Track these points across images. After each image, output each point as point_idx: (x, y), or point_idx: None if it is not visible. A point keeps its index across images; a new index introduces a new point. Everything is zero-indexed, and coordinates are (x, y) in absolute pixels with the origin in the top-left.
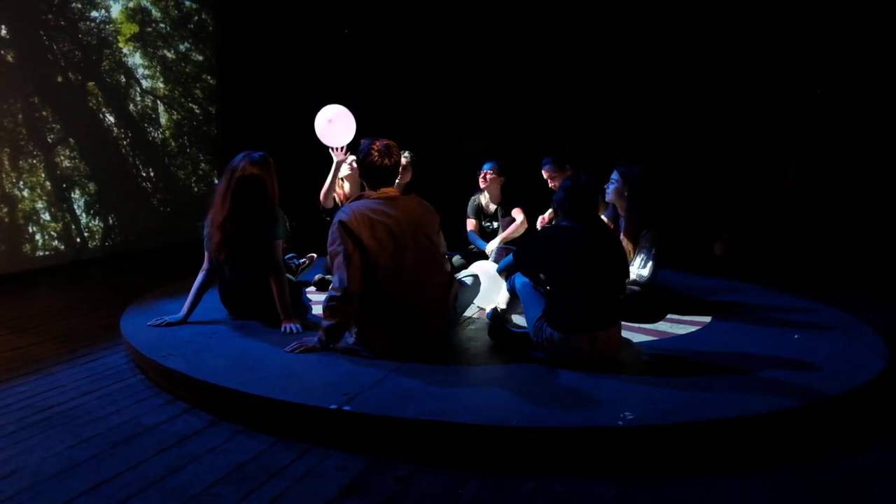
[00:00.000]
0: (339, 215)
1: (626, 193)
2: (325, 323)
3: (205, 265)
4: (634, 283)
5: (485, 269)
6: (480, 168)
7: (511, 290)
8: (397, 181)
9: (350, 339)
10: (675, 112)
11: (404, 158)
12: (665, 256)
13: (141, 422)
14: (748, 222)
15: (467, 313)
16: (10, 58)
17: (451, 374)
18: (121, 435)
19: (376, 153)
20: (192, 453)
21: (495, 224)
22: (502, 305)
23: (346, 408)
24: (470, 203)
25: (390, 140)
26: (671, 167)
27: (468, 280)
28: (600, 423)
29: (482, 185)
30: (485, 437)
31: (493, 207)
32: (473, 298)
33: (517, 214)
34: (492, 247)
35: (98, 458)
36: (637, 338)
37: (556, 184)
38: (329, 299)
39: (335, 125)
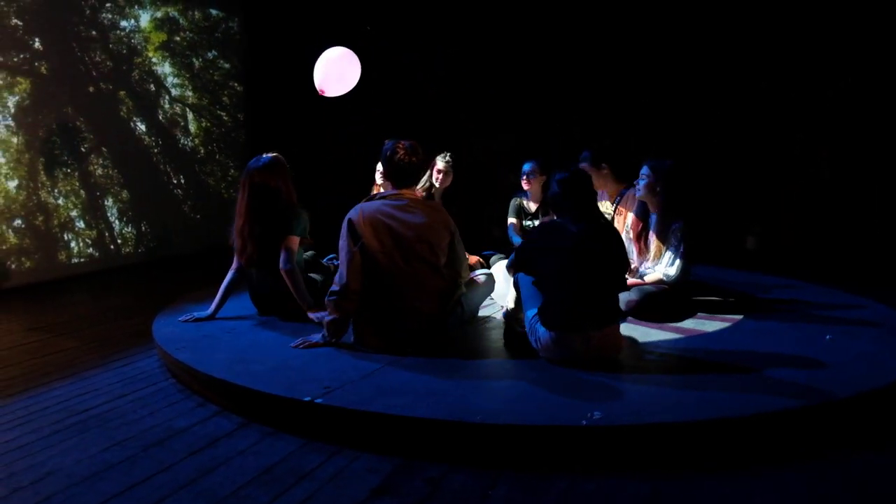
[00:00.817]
0: (350, 213)
1: (658, 189)
2: (326, 318)
3: (234, 265)
4: (661, 281)
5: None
6: (521, 168)
7: (516, 287)
8: (437, 185)
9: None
10: (707, 105)
11: (444, 163)
12: (696, 253)
13: (172, 424)
14: (783, 215)
15: (487, 312)
16: (43, 69)
17: (441, 370)
18: (153, 437)
19: (402, 150)
20: (223, 455)
21: (536, 223)
22: (510, 304)
23: (319, 400)
24: (511, 203)
25: (414, 141)
26: (702, 161)
27: (481, 278)
28: (620, 421)
29: (525, 187)
30: (465, 434)
31: (534, 207)
32: (486, 296)
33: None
34: None
35: (131, 460)
36: (663, 336)
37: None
38: (329, 294)
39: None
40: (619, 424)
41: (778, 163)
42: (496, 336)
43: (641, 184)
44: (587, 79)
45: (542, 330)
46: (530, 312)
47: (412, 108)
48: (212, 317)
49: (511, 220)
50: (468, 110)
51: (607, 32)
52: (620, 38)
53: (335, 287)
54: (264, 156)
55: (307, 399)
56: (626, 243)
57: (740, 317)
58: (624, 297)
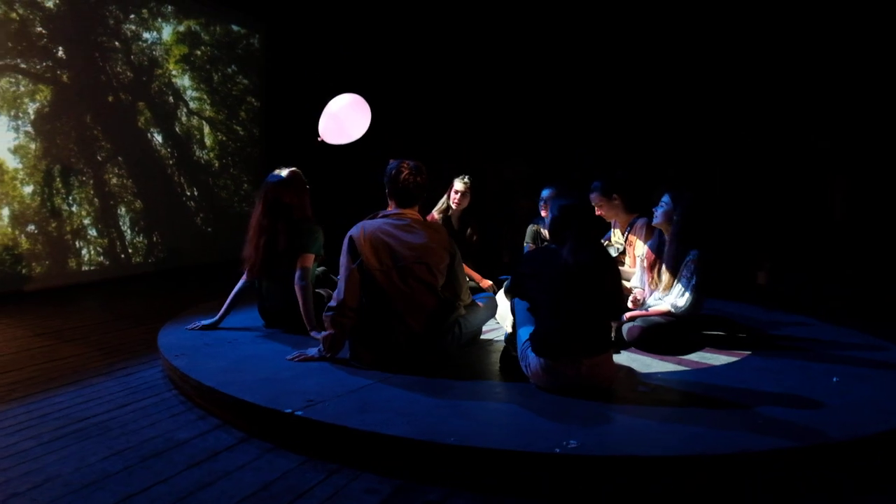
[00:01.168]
0: (352, 230)
1: (675, 217)
2: (323, 333)
3: (245, 275)
4: (669, 313)
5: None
6: (538, 194)
7: (512, 311)
8: (454, 206)
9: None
10: (721, 138)
11: (462, 184)
12: (708, 286)
13: (173, 436)
14: (796, 251)
15: (492, 336)
16: (65, 78)
17: (429, 389)
18: (153, 448)
19: (406, 170)
20: (222, 469)
21: None
22: (509, 328)
23: (298, 413)
24: (528, 229)
25: (419, 161)
26: (716, 194)
27: (483, 300)
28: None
29: (543, 213)
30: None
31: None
32: (487, 319)
33: None
34: None
35: (129, 470)
36: (665, 367)
37: (603, 213)
38: (326, 309)
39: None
40: (590, 455)
41: (791, 200)
42: (494, 359)
43: (659, 211)
44: (601, 107)
45: (532, 356)
46: (522, 338)
47: (427, 131)
48: (216, 325)
49: (528, 245)
50: (481, 135)
51: (624, 63)
52: (636, 69)
53: (332, 303)
54: (282, 171)
55: (287, 411)
56: (639, 272)
57: (748, 352)
58: (627, 327)
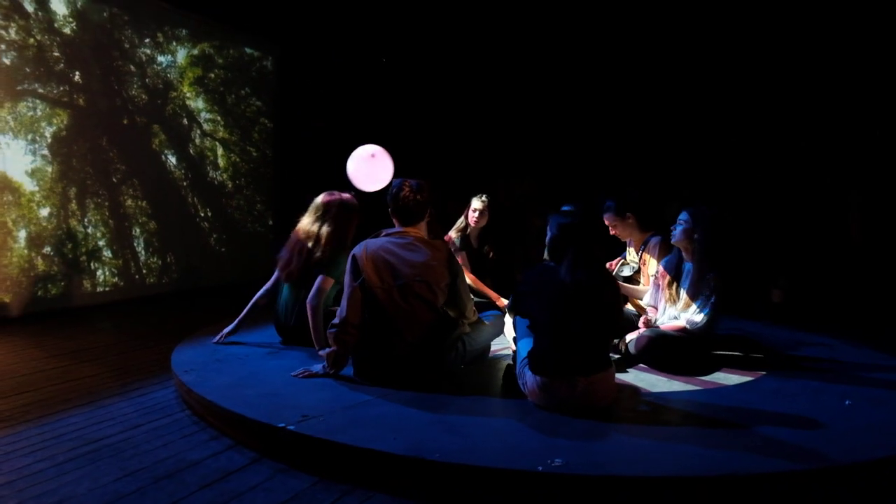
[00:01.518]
0: (355, 249)
1: (696, 236)
2: (326, 350)
3: (268, 283)
4: (684, 329)
5: None
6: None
7: (514, 329)
8: (473, 224)
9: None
10: (736, 156)
11: (480, 202)
12: (726, 305)
13: (186, 457)
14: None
15: (502, 353)
16: (81, 101)
17: (426, 405)
18: (165, 469)
19: (407, 188)
20: (234, 490)
21: None
22: (513, 346)
23: (291, 427)
24: None
25: (423, 180)
26: (731, 212)
27: (490, 318)
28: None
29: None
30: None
31: None
32: (493, 337)
33: None
34: None
35: (142, 491)
36: (675, 386)
37: (617, 232)
38: (330, 326)
39: (375, 162)
40: (574, 473)
41: (808, 218)
42: (498, 376)
43: (679, 229)
44: (615, 125)
45: (529, 374)
46: (521, 356)
47: (438, 150)
48: (235, 330)
49: None
50: (492, 153)
51: (637, 81)
52: (650, 87)
53: (336, 320)
54: (345, 196)
55: (281, 425)
56: (652, 290)
57: (763, 373)
58: (636, 337)
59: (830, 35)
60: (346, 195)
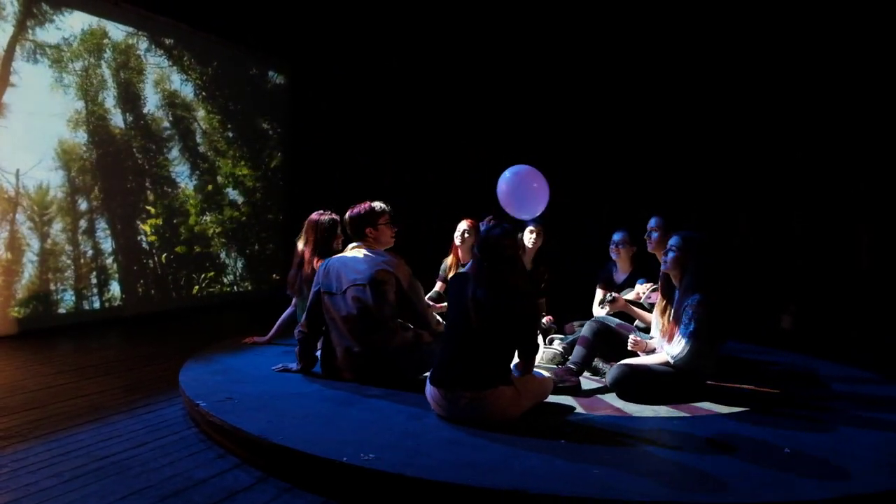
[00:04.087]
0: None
1: (687, 264)
2: (296, 349)
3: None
4: (668, 364)
5: None
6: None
7: None
8: (530, 245)
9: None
10: (744, 180)
11: (535, 225)
12: (721, 333)
13: (192, 475)
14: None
15: None
16: (94, 118)
17: (338, 402)
18: (171, 488)
19: (350, 210)
20: None
21: (626, 295)
22: None
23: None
24: (599, 273)
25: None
26: (739, 237)
27: None
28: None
29: (614, 257)
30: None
31: (622, 277)
32: None
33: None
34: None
35: None
36: (646, 412)
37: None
38: (297, 327)
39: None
40: (373, 468)
41: (817, 244)
42: None
43: (670, 257)
44: (622, 150)
45: (427, 384)
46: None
47: (443, 167)
48: (270, 340)
49: (599, 291)
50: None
51: (646, 105)
52: (658, 111)
53: (300, 323)
54: (324, 215)
55: (198, 403)
56: (656, 318)
57: (747, 408)
58: (612, 369)
59: (844, 57)
60: (325, 215)
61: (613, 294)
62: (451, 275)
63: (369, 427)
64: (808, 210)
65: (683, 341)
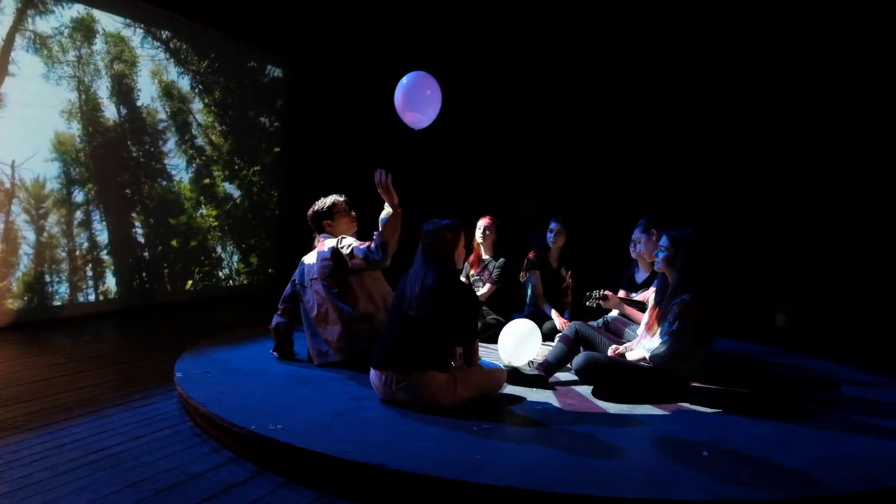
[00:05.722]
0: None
1: (678, 263)
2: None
3: None
4: (644, 360)
5: (514, 329)
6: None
7: None
8: (552, 244)
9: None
10: (743, 178)
11: (557, 224)
12: (702, 336)
13: (187, 469)
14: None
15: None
16: (91, 111)
17: (297, 381)
18: (166, 481)
19: (310, 208)
20: None
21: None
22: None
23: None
24: (623, 274)
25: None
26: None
27: None
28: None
29: (634, 256)
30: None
31: (642, 277)
32: None
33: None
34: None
35: (142, 503)
36: (645, 410)
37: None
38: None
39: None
40: (272, 437)
41: (812, 242)
42: None
43: (660, 257)
44: (621, 146)
45: (371, 367)
46: None
47: (445, 170)
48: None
49: (620, 292)
50: (498, 173)
51: (645, 103)
52: (658, 109)
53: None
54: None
55: (178, 375)
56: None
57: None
58: (577, 358)
59: (841, 56)
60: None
61: (605, 292)
62: (472, 272)
63: (304, 404)
64: (804, 208)
65: (664, 339)
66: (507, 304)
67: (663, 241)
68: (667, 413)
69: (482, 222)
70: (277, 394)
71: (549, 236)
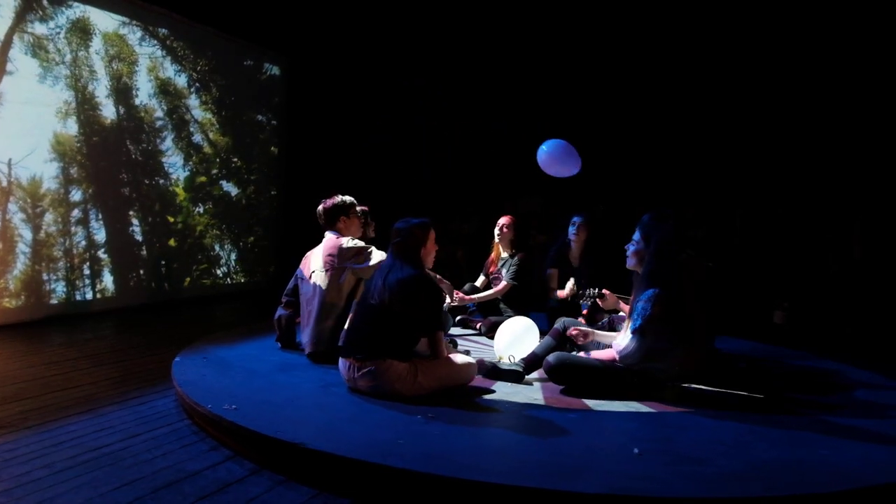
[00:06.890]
0: None
1: (646, 258)
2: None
3: None
4: (614, 360)
5: (511, 325)
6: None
7: None
8: (574, 239)
9: None
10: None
11: (579, 219)
12: (674, 331)
13: (184, 467)
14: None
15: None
16: (88, 110)
17: (285, 367)
18: (163, 479)
19: (326, 201)
20: (232, 502)
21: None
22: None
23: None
24: None
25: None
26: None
27: None
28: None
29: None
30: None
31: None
32: None
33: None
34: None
35: (140, 501)
36: (623, 407)
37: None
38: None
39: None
40: (227, 419)
41: (811, 239)
42: None
43: (630, 250)
44: (619, 145)
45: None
46: None
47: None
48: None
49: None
50: (498, 172)
51: (642, 103)
52: (655, 109)
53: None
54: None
55: (176, 358)
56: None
57: (691, 409)
58: (549, 358)
59: (840, 56)
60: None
61: (602, 290)
62: (491, 269)
63: (272, 388)
64: (802, 205)
65: (629, 337)
66: (525, 302)
67: (636, 234)
68: (636, 411)
69: (500, 221)
70: (255, 378)
71: (571, 230)
